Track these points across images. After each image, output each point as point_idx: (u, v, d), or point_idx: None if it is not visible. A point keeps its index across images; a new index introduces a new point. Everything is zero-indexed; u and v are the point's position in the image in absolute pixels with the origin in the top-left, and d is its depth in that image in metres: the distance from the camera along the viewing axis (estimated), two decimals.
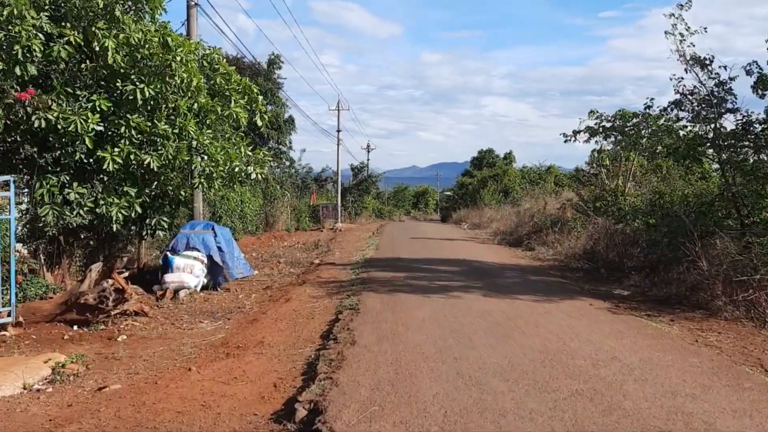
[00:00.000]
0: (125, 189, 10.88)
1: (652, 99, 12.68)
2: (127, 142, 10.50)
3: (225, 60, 13.62)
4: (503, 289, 11.58)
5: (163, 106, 11.31)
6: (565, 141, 13.52)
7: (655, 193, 14.38)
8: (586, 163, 28.16)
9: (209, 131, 11.96)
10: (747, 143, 12.41)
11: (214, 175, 11.69)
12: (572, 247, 17.22)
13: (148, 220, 12.50)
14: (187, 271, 12.44)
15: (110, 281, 9.65)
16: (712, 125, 12.50)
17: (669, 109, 12.20)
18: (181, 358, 7.45)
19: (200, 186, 11.88)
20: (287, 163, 30.48)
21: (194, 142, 11.66)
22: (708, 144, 12.61)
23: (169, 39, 10.28)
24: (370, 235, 27.98)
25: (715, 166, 14.73)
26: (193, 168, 11.82)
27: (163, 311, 10.46)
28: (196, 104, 11.84)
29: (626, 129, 12.47)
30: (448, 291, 11.04)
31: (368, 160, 77.39)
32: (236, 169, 12.40)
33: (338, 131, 51.78)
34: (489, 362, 6.25)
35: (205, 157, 11.86)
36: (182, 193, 12.60)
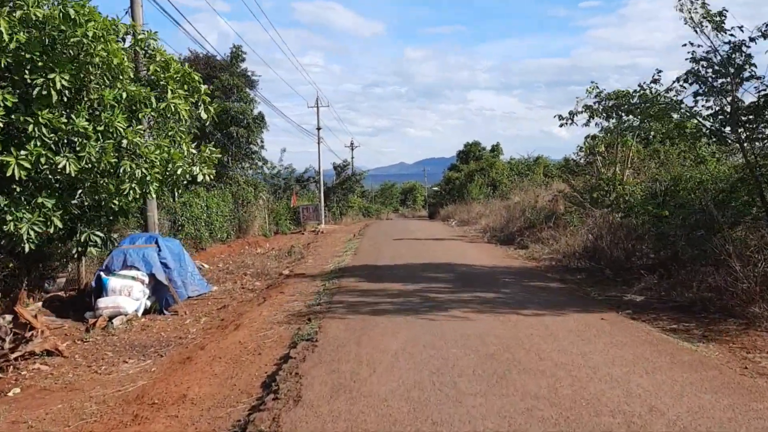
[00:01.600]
0: (40, 201, 8.97)
1: (660, 71, 10.91)
2: (38, 143, 8.59)
3: (191, 61, 11.72)
4: (496, 301, 9.78)
5: (84, 97, 9.42)
6: (561, 124, 11.72)
7: (671, 179, 12.57)
8: (576, 152, 26.50)
9: (141, 127, 10.06)
10: None
11: (149, 178, 9.79)
12: (570, 244, 15.46)
13: (78, 236, 10.60)
14: (125, 294, 10.56)
15: (7, 317, 7.77)
16: (729, 98, 10.78)
17: (681, 84, 10.44)
18: (77, 423, 5.59)
19: (131, 192, 9.97)
20: (259, 163, 28.50)
21: (124, 141, 9.76)
22: (723, 120, 10.89)
23: (71, 11, 8.37)
24: (352, 237, 26.14)
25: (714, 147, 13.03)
26: (121, 172, 9.91)
27: (85, 347, 8.59)
28: (124, 94, 9.92)
29: (632, 107, 10.65)
30: (431, 308, 9.22)
31: (352, 158, 75.47)
32: (179, 171, 10.54)
33: (318, 129, 49.89)
34: (481, 429, 4.43)
35: (139, 159, 9.97)
36: (115, 202, 10.69)
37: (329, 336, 7.54)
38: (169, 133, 11.16)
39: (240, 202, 25.66)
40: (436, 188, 65.19)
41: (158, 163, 10.04)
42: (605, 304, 9.64)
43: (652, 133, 22.70)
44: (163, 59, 10.90)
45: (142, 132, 9.94)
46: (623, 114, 10.88)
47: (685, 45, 10.48)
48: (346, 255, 17.89)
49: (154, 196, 10.16)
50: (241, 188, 25.44)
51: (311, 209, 38.98)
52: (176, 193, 11.60)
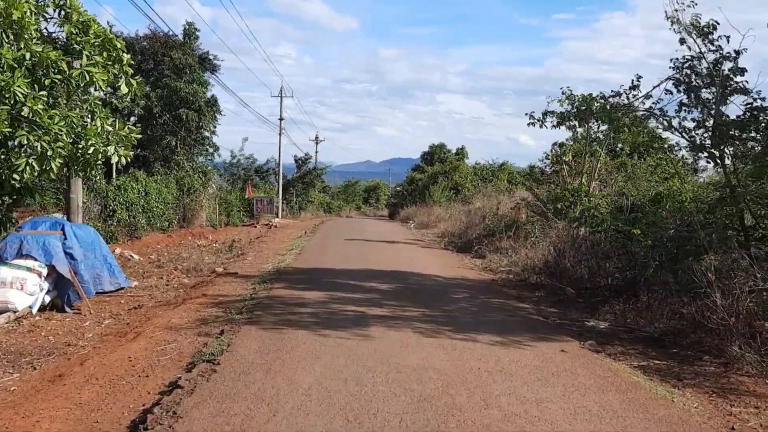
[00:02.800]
0: None
1: (640, 77, 9.84)
2: None
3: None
4: (444, 320, 8.56)
5: None
6: (530, 123, 10.61)
7: (653, 195, 11.52)
8: (542, 159, 25.58)
9: (43, 93, 8.56)
10: (755, 134, 9.75)
11: (50, 154, 8.30)
12: (531, 257, 14.39)
13: None
14: (16, 287, 9.07)
15: None
16: (712, 110, 9.80)
17: (665, 90, 9.40)
18: None
19: (27, 168, 8.48)
20: (210, 150, 26.78)
21: (25, 109, 8.27)
22: (705, 133, 9.91)
23: None
24: (303, 233, 24.74)
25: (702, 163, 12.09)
26: (17, 144, 8.40)
27: None
28: (28, 54, 8.43)
29: (607, 112, 9.55)
30: (367, 325, 7.96)
31: (316, 152, 73.71)
32: (91, 150, 9.08)
33: (280, 119, 48.32)
34: None
35: (39, 130, 8.47)
36: (15, 177, 9.16)
37: (236, 357, 6.21)
38: (84, 106, 9.70)
39: (185, 189, 24.03)
40: (398, 188, 64.02)
41: (64, 137, 8.57)
42: (566, 330, 8.51)
43: (620, 145, 21.87)
44: (81, 19, 9.39)
45: (45, 100, 8.44)
46: (596, 119, 9.79)
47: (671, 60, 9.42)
48: (289, 254, 16.52)
49: (54, 174, 8.63)
50: (187, 174, 23.80)
51: (266, 202, 37.35)
52: (89, 174, 10.05)
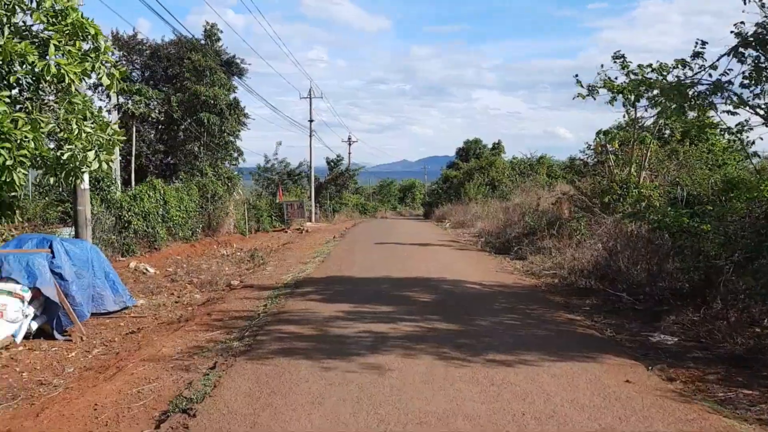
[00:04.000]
0: None
1: (704, 43, 8.32)
2: None
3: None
4: (479, 341, 7.22)
5: None
6: (576, 96, 9.16)
7: (726, 184, 9.96)
8: (584, 150, 23.95)
9: (5, 94, 7.50)
10: None
11: (9, 163, 7.23)
12: (578, 257, 12.93)
13: None
14: None
15: None
16: None
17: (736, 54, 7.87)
18: None
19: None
20: (234, 154, 25.79)
21: None
22: None
23: None
24: (332, 238, 23.58)
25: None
26: None
27: None
28: None
29: (674, 88, 8.02)
30: (383, 351, 6.68)
31: (349, 153, 72.79)
32: (66, 155, 8.03)
33: (310, 121, 47.43)
34: None
35: None
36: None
37: (219, 404, 5.00)
38: (61, 106, 8.63)
39: (209, 196, 23.08)
40: (433, 186, 62.51)
41: (29, 144, 7.49)
42: (627, 348, 7.10)
43: (667, 131, 20.06)
44: (57, 7, 8.27)
45: (6, 101, 7.38)
46: (659, 97, 8.28)
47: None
48: (312, 262, 15.35)
49: (19, 186, 7.53)
50: (210, 181, 22.84)
51: (296, 206, 36.35)
52: (71, 183, 8.96)
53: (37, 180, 12.69)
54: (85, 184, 12.77)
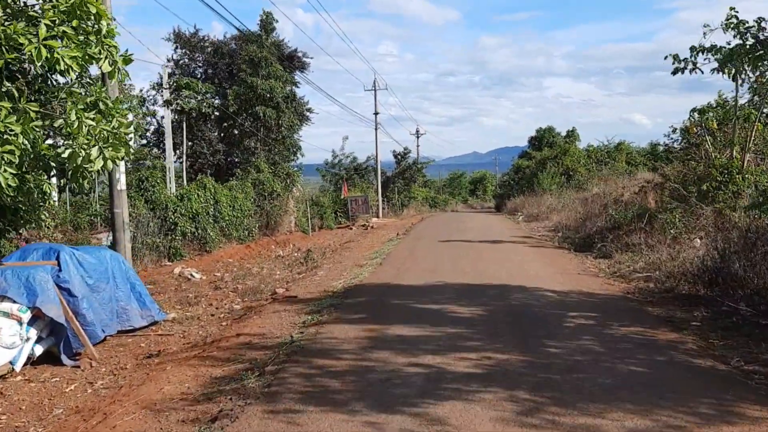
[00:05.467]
0: None
1: None
2: None
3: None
4: (564, 381, 5.51)
5: None
6: (675, 71, 7.32)
7: None
8: (668, 134, 21.45)
9: None
10: None
11: None
12: (675, 257, 10.93)
13: None
14: None
15: None
16: None
17: None
18: None
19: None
20: (292, 149, 24.51)
21: None
22: None
23: None
24: (395, 236, 22.07)
25: None
26: None
27: None
28: None
29: None
30: (437, 397, 5.09)
31: (417, 146, 71.20)
32: (67, 153, 6.85)
33: (375, 113, 46.03)
34: None
35: None
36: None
37: None
38: (58, 95, 7.47)
39: (266, 194, 22.01)
40: (505, 178, 59.99)
41: (18, 140, 6.32)
42: (764, 390, 5.25)
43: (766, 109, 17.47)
44: None
45: None
46: None
47: None
48: (369, 264, 13.87)
49: (10, 185, 6.34)
50: (267, 178, 21.73)
51: (361, 201, 35.06)
52: (82, 185, 7.78)
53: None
54: (122, 185, 11.73)
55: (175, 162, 28.14)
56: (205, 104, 19.37)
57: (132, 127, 7.76)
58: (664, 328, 7.49)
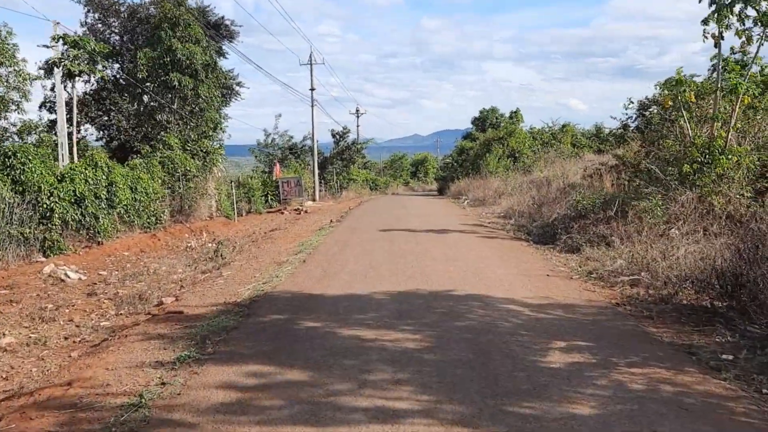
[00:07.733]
0: None
1: None
2: None
3: None
4: None
5: None
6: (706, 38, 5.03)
7: None
8: (626, 110, 19.56)
9: None
10: None
11: None
12: (667, 254, 8.81)
13: None
14: None
15: None
16: None
17: None
18: None
19: None
20: (210, 125, 21.45)
21: None
22: None
23: None
24: (328, 222, 19.50)
25: None
26: None
27: None
28: None
29: None
30: None
31: (357, 126, 68.35)
32: None
33: (312, 89, 43.04)
34: None
35: None
36: None
37: None
38: None
39: (179, 175, 19.04)
40: (447, 160, 57.92)
41: None
42: None
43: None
44: None
45: None
46: None
47: None
48: (293, 261, 11.29)
49: None
50: (178, 155, 18.75)
51: (293, 183, 32.24)
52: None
53: None
54: None
55: (86, 137, 24.80)
56: (99, 67, 16.23)
57: None
58: (690, 368, 5.26)
